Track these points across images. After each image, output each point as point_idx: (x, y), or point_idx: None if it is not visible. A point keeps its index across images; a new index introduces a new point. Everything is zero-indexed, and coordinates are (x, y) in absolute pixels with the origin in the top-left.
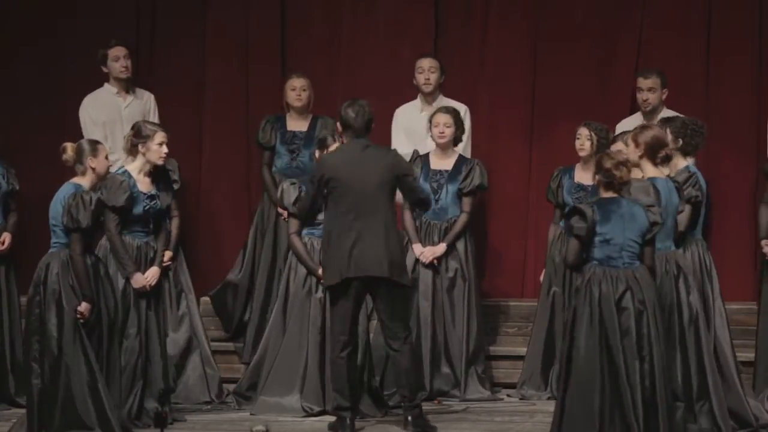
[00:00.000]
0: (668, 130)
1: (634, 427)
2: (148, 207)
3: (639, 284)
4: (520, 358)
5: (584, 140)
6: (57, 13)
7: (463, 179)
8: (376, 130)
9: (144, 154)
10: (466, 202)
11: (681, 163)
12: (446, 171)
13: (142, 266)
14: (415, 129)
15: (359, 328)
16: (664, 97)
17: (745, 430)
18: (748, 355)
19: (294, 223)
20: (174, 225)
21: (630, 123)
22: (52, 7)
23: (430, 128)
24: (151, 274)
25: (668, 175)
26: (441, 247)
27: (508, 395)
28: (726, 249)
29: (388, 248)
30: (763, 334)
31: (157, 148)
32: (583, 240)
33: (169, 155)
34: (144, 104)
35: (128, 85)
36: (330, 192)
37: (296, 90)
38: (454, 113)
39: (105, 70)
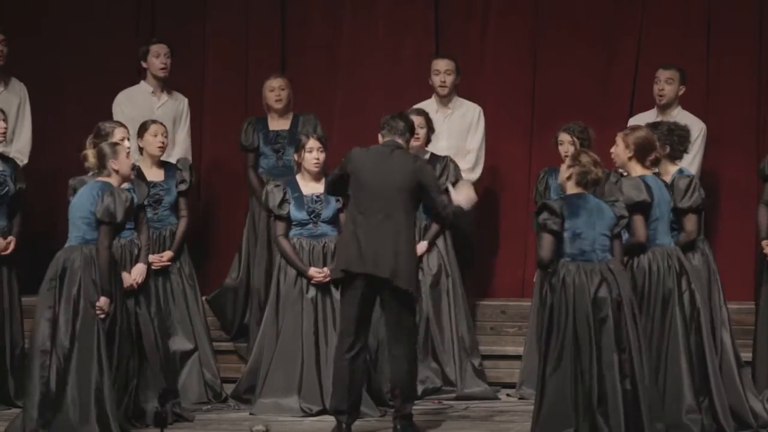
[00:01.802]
0: (655, 137)
1: (617, 419)
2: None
3: (614, 276)
4: (520, 358)
5: (567, 146)
6: (56, 13)
7: (437, 176)
8: (374, 130)
9: (126, 159)
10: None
11: (671, 168)
12: None
13: (128, 264)
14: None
15: (368, 331)
16: (680, 93)
17: (746, 431)
18: (747, 355)
19: (280, 225)
20: (181, 225)
21: (644, 118)
22: (52, 7)
23: None
24: (137, 272)
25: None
26: (422, 245)
27: (507, 395)
28: (726, 249)
29: (396, 252)
30: (761, 334)
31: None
32: (557, 234)
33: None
34: (177, 107)
35: (164, 85)
36: (351, 187)
37: (275, 91)
38: (425, 114)
39: (144, 65)
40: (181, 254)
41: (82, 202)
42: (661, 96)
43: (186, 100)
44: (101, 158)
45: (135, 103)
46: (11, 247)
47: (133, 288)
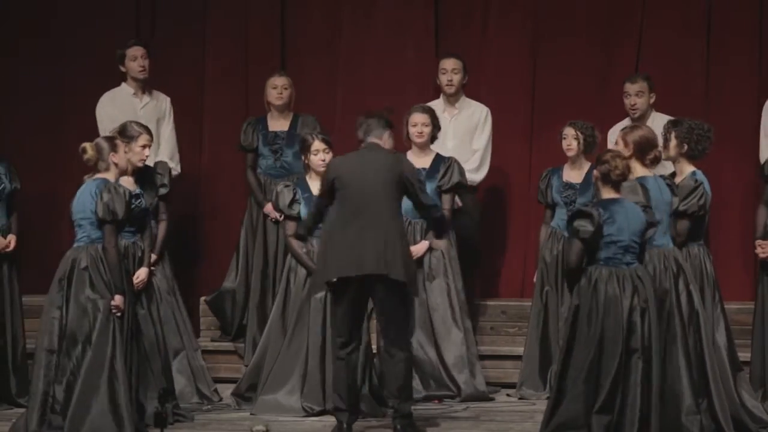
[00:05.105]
0: (673, 135)
1: (632, 424)
2: (133, 206)
3: (642, 283)
4: (520, 358)
5: (571, 140)
6: (57, 13)
7: (441, 177)
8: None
9: (126, 153)
10: (446, 199)
11: (687, 168)
12: (424, 169)
13: (131, 266)
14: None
15: (361, 331)
16: (652, 101)
17: None
18: (747, 355)
19: (291, 226)
20: (161, 228)
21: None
22: (52, 7)
23: (407, 128)
24: (142, 275)
25: (665, 177)
26: (423, 245)
27: (507, 395)
28: (726, 249)
29: (386, 247)
30: (757, 335)
31: (139, 150)
32: (589, 242)
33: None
34: (160, 107)
35: (145, 86)
36: (336, 192)
37: (277, 88)
38: (431, 112)
39: (123, 69)
40: (162, 258)
41: (83, 203)
42: (633, 110)
43: (168, 99)
44: (100, 151)
45: (117, 104)
46: (12, 245)
47: (137, 289)
